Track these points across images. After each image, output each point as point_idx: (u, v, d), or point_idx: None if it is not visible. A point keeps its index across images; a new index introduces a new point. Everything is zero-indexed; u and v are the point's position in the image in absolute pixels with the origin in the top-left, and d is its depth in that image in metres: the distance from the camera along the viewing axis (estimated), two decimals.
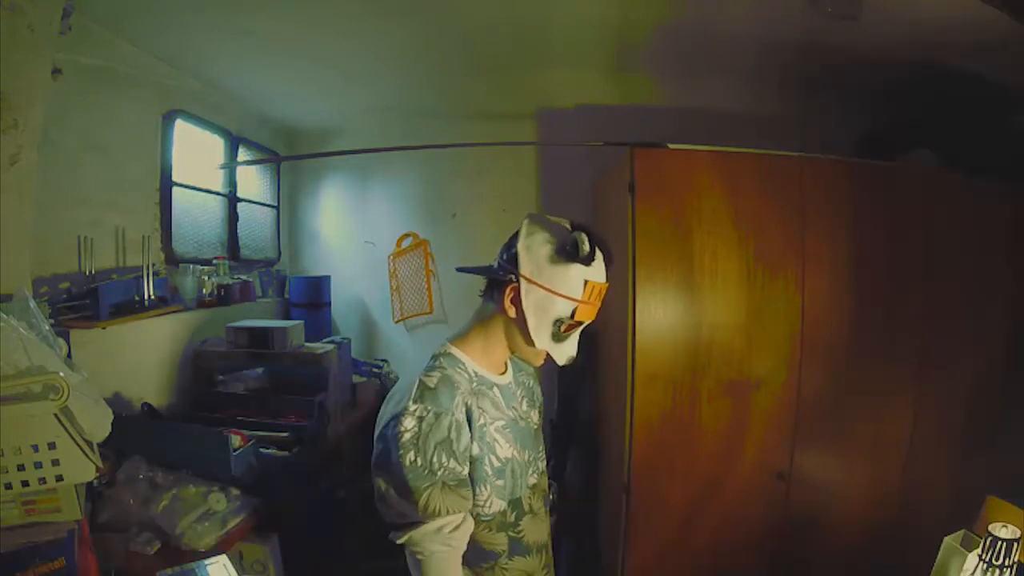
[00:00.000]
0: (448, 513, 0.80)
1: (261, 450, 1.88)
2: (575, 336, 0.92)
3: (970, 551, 1.08)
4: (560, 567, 1.10)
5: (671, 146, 1.78)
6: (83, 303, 1.73)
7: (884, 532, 1.84)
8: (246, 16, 1.89)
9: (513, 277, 0.87)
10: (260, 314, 2.69)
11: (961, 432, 1.88)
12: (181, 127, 2.33)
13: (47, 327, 1.10)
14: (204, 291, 2.31)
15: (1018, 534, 1.02)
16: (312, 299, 2.90)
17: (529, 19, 2.03)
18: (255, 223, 2.98)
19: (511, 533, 0.90)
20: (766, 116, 2.48)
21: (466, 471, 0.83)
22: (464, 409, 0.84)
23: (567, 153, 2.68)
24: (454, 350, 0.91)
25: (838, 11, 1.73)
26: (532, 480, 0.96)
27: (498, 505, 0.88)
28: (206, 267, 2.37)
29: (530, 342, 0.88)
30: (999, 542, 1.01)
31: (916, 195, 1.83)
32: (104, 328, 1.74)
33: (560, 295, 0.85)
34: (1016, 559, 1.02)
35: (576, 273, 0.85)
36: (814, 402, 1.81)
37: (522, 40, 2.23)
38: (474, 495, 0.85)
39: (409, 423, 0.79)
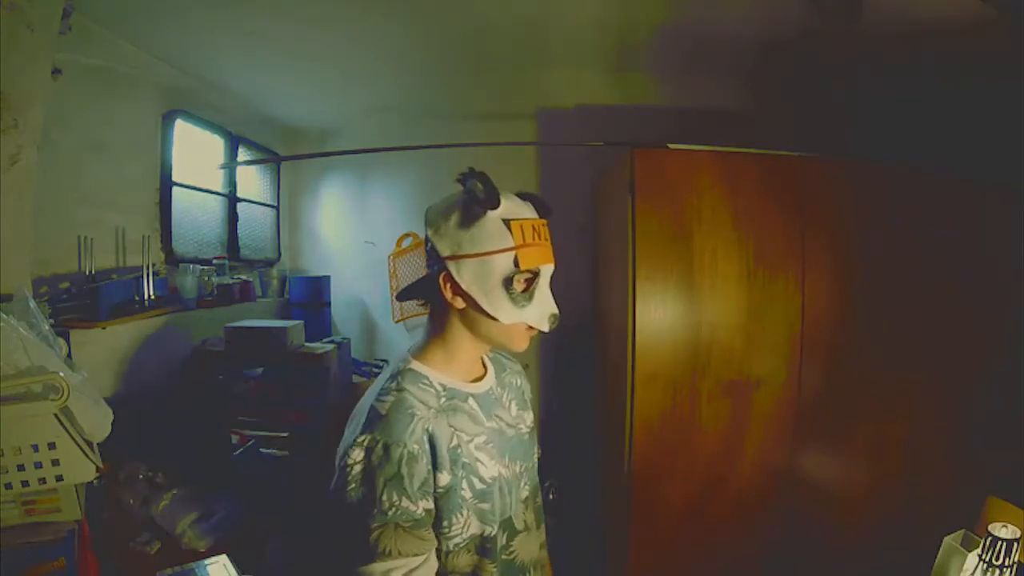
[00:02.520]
0: (400, 556, 0.69)
1: (261, 450, 1.89)
2: (542, 291, 0.79)
3: (970, 551, 1.08)
4: (560, 567, 1.08)
5: (671, 146, 1.78)
6: (83, 303, 1.73)
7: (884, 532, 1.84)
8: (246, 16, 1.89)
9: (440, 267, 0.77)
10: (260, 314, 2.69)
11: (961, 432, 1.88)
12: (181, 127, 2.33)
13: (47, 327, 1.10)
14: (204, 291, 2.31)
15: (1018, 534, 1.02)
16: (312, 299, 2.90)
17: (529, 19, 2.03)
18: (255, 223, 2.98)
19: (504, 556, 0.80)
20: (766, 116, 2.48)
21: (423, 509, 0.71)
22: (424, 436, 0.73)
23: (567, 153, 2.68)
24: (416, 364, 0.80)
25: (838, 11, 1.73)
26: (524, 493, 0.86)
27: (480, 528, 0.77)
28: (206, 267, 2.37)
29: (496, 321, 0.77)
30: (999, 542, 1.02)
31: (916, 195, 1.83)
32: (104, 328, 1.74)
33: (490, 253, 0.74)
34: (1016, 559, 1.02)
35: (491, 221, 0.75)
36: (814, 402, 1.81)
37: (522, 40, 2.23)
38: (449, 525, 0.74)
39: (357, 455, 0.70)
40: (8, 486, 0.93)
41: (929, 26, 1.77)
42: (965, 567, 1.07)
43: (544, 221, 0.80)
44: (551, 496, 2.51)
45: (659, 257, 1.74)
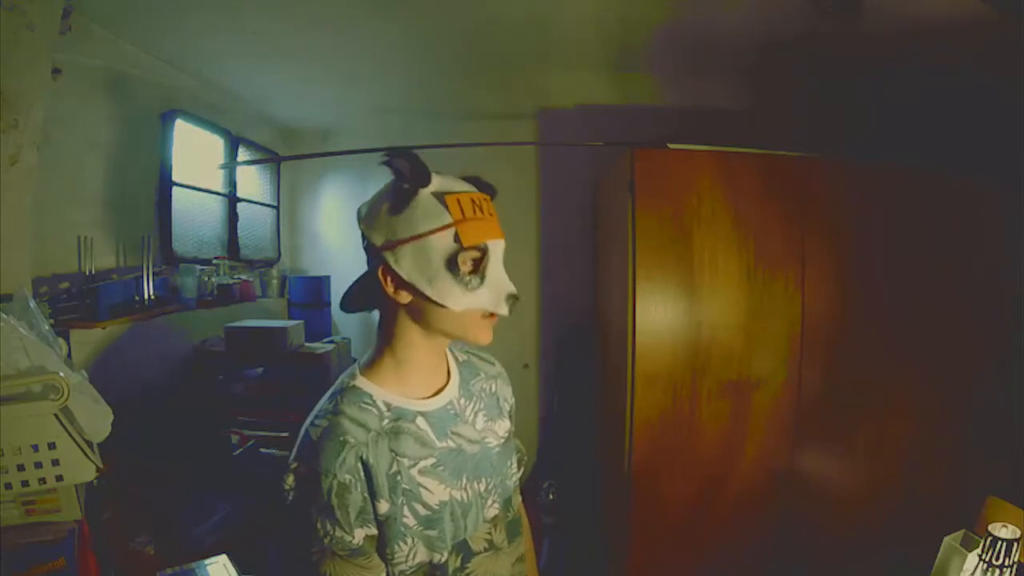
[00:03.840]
0: None
1: (261, 450, 1.89)
2: (494, 271, 0.71)
3: (970, 551, 1.08)
4: (561, 567, 1.07)
5: (671, 146, 1.78)
6: (83, 303, 1.73)
7: (884, 532, 1.84)
8: (246, 16, 1.89)
9: (377, 260, 0.71)
10: (260, 314, 2.69)
11: (961, 432, 1.88)
12: (181, 127, 2.32)
13: (47, 327, 1.11)
14: (204, 291, 2.31)
15: (1018, 534, 1.02)
16: (312, 299, 2.90)
17: (529, 19, 2.03)
18: (255, 223, 2.98)
19: None
20: (766, 116, 2.48)
21: (361, 537, 0.67)
22: (358, 465, 0.67)
23: (567, 153, 2.68)
24: (361, 381, 0.73)
25: (838, 11, 1.73)
26: (492, 512, 0.79)
27: (428, 556, 0.72)
28: (206, 267, 2.37)
29: (446, 310, 0.70)
30: (999, 542, 1.01)
31: (916, 194, 1.83)
32: (104, 328, 1.74)
33: (425, 233, 0.68)
34: (1016, 559, 1.02)
35: (424, 199, 0.68)
36: (814, 401, 1.81)
37: (522, 40, 2.23)
38: (392, 553, 0.69)
39: (290, 481, 0.67)
40: (8, 486, 0.93)
41: (929, 26, 1.77)
42: (965, 567, 1.07)
43: (487, 196, 0.73)
44: (551, 496, 2.51)
45: (659, 257, 1.74)
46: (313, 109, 2.96)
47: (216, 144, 2.67)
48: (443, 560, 0.72)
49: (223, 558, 1.19)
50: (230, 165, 2.73)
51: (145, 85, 2.12)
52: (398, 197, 0.70)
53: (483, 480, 0.78)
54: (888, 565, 1.76)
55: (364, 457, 0.68)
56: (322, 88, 2.66)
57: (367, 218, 0.73)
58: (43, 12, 1.33)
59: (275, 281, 3.05)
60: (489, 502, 0.79)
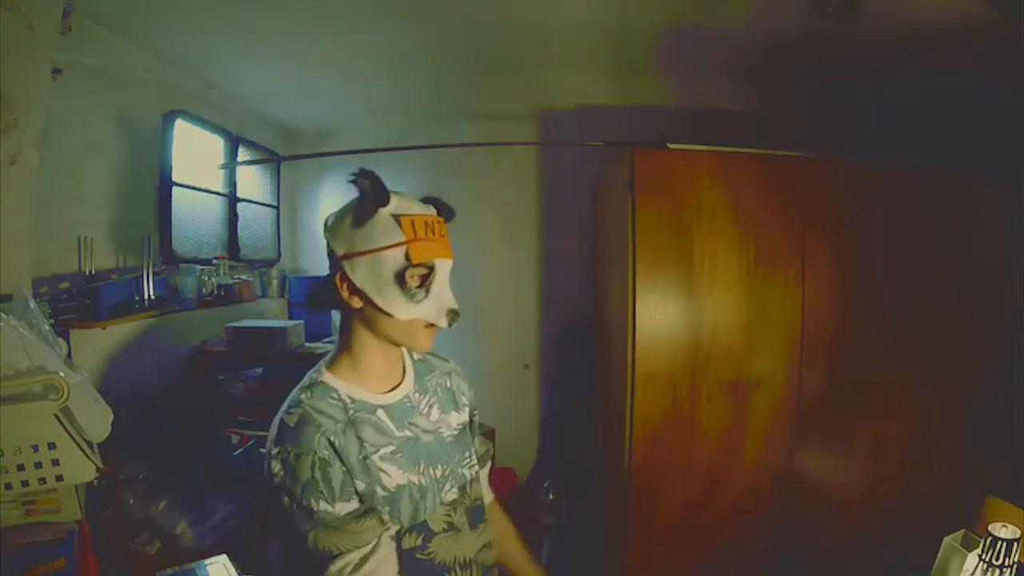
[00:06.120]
0: (344, 551, 0.72)
1: (261, 450, 1.88)
2: (439, 287, 0.79)
3: (970, 551, 1.08)
4: (561, 567, 1.07)
5: (671, 146, 1.78)
6: (83, 303, 1.73)
7: (884, 532, 1.84)
8: (246, 16, 1.89)
9: (336, 267, 0.79)
10: (260, 314, 2.69)
11: (961, 432, 1.88)
12: (181, 127, 2.32)
13: (47, 327, 1.11)
14: (204, 291, 2.31)
15: (1018, 534, 1.02)
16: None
17: (529, 19, 2.03)
18: (255, 223, 2.98)
19: (419, 555, 0.81)
20: (766, 116, 2.48)
21: (347, 508, 0.74)
22: (328, 446, 0.74)
23: (567, 153, 2.68)
24: (327, 377, 0.82)
25: (838, 12, 1.73)
26: (450, 496, 0.86)
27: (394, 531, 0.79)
28: (206, 267, 2.37)
29: (392, 318, 0.77)
30: (999, 542, 1.01)
31: (916, 194, 1.83)
32: (104, 328, 1.74)
33: (380, 249, 0.75)
34: (1016, 559, 1.02)
35: (382, 218, 0.76)
36: (814, 402, 1.81)
37: (522, 40, 2.23)
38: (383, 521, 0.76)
39: (275, 467, 0.73)
40: (8, 486, 0.93)
41: (929, 26, 1.77)
42: (965, 567, 1.07)
43: (441, 219, 0.81)
44: (551, 496, 2.51)
45: (659, 257, 1.74)
46: (313, 109, 2.96)
47: (216, 144, 2.67)
48: (402, 535, 0.79)
49: (223, 558, 1.19)
50: (230, 165, 2.73)
51: (145, 85, 2.12)
52: (360, 213, 0.77)
53: (438, 466, 0.86)
54: (888, 565, 1.76)
55: (335, 443, 0.75)
56: (322, 88, 2.66)
57: (332, 228, 0.80)
58: (43, 12, 1.33)
59: (275, 281, 3.05)
60: (447, 487, 0.86)
